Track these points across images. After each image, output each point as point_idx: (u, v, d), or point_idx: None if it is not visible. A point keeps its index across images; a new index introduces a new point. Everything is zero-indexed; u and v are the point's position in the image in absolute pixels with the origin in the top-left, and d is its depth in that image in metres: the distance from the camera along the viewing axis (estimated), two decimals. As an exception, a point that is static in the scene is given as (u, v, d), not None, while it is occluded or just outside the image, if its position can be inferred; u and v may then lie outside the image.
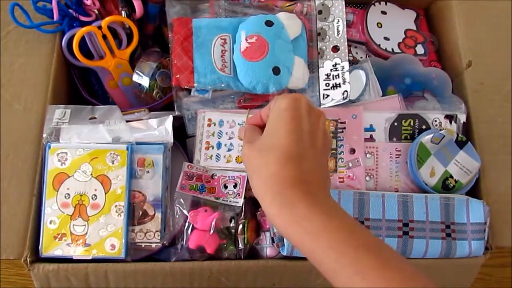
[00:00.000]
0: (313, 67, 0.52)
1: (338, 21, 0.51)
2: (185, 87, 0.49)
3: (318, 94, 0.51)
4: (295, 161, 0.34)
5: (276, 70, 0.48)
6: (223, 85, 0.49)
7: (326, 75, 0.51)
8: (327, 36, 0.51)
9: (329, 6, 0.52)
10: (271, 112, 0.37)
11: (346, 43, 0.51)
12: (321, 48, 0.52)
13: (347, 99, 0.49)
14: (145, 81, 0.51)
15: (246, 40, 0.48)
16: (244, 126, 0.42)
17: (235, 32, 0.50)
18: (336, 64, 0.51)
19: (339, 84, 0.50)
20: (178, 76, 0.49)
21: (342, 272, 0.30)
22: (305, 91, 0.51)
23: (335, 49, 0.51)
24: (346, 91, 0.49)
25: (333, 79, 0.51)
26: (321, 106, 0.51)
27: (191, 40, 0.49)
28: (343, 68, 0.51)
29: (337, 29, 0.51)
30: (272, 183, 0.33)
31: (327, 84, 0.51)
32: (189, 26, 0.50)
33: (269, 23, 0.49)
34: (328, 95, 0.50)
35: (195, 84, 0.49)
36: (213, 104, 0.51)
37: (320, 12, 0.52)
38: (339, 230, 0.31)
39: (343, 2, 0.52)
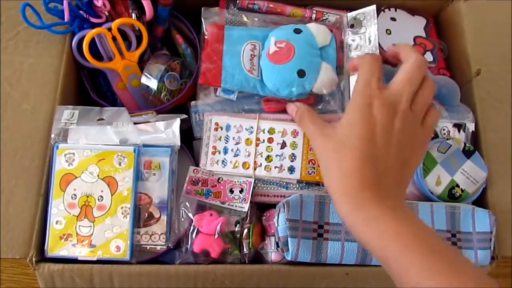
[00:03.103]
0: (341, 71, 0.51)
1: (370, 32, 0.51)
2: (211, 86, 0.50)
3: (347, 99, 0.50)
4: (371, 163, 0.35)
5: (301, 73, 0.47)
6: (250, 86, 0.49)
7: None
8: (358, 46, 0.51)
9: (361, 19, 0.52)
10: (352, 94, 0.40)
11: (377, 51, 0.51)
12: (352, 56, 0.51)
13: None
14: (153, 84, 0.51)
15: (275, 44, 0.48)
16: (299, 105, 0.43)
17: (265, 40, 0.50)
18: None
19: None
20: (206, 74, 0.49)
21: (411, 276, 0.32)
22: (333, 96, 0.50)
23: None
24: None
25: None
26: None
27: (222, 42, 0.50)
28: None
29: (369, 38, 0.51)
30: (346, 183, 0.35)
31: None
32: (221, 31, 0.51)
33: (297, 31, 0.49)
34: None
35: (221, 83, 0.49)
36: (235, 106, 0.51)
37: (352, 26, 0.53)
38: (408, 235, 0.32)
39: (375, 15, 0.52)
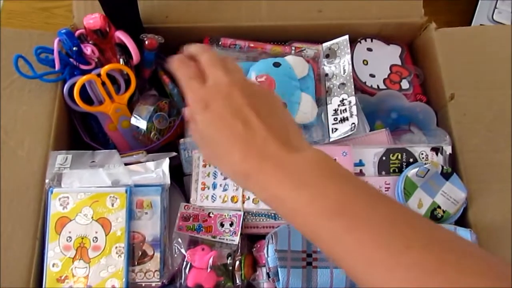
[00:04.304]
0: (321, 103, 0.55)
1: (344, 61, 0.55)
2: None
3: (327, 129, 0.54)
4: (244, 149, 0.32)
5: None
6: None
7: (334, 110, 0.54)
8: (334, 75, 0.55)
9: (336, 49, 0.56)
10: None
11: (352, 80, 0.54)
12: (329, 86, 0.55)
13: (355, 130, 0.52)
14: (142, 124, 0.53)
15: (256, 79, 0.51)
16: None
17: (246, 74, 0.53)
18: (343, 99, 0.54)
19: (347, 117, 0.53)
20: None
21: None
22: (313, 126, 0.54)
23: (342, 86, 0.54)
24: (353, 123, 0.52)
25: (341, 113, 0.53)
26: (330, 139, 0.53)
27: None
28: (350, 102, 0.53)
29: (343, 68, 0.54)
30: (237, 175, 0.33)
31: (335, 119, 0.54)
32: None
33: (276, 64, 0.52)
34: (336, 129, 0.53)
35: None
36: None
37: (327, 55, 0.56)
38: (309, 205, 0.30)
39: (348, 44, 0.56)
